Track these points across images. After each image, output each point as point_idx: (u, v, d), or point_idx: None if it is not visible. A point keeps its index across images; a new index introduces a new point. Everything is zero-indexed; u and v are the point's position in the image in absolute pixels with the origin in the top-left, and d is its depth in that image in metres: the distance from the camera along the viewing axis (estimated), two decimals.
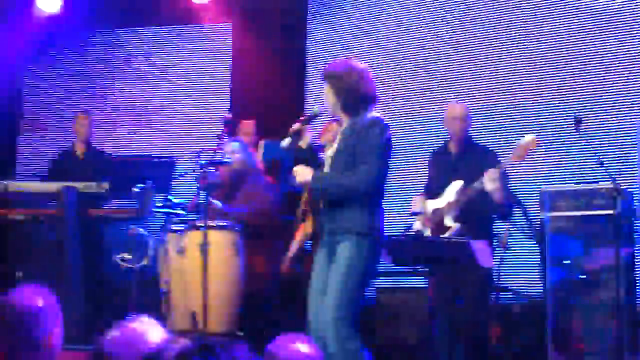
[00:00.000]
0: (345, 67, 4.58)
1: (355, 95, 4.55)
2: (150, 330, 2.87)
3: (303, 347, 3.09)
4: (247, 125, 7.66)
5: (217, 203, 6.43)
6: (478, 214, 5.96)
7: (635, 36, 7.46)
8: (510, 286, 6.64)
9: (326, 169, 4.62)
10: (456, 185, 6.04)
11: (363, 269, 4.47)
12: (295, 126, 4.74)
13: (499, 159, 6.12)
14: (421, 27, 8.44)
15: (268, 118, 8.41)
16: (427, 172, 6.51)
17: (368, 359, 4.45)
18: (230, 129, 7.00)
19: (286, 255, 6.73)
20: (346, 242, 4.46)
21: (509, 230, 6.10)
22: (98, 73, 9.44)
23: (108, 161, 7.61)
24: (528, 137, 5.91)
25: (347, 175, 4.46)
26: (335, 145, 4.64)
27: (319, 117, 5.08)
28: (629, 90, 7.40)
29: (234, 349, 2.60)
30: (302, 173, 4.58)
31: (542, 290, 6.33)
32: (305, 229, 6.67)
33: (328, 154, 4.68)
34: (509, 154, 5.99)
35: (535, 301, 6.63)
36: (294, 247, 6.75)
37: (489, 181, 5.80)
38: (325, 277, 4.55)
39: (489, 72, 8.04)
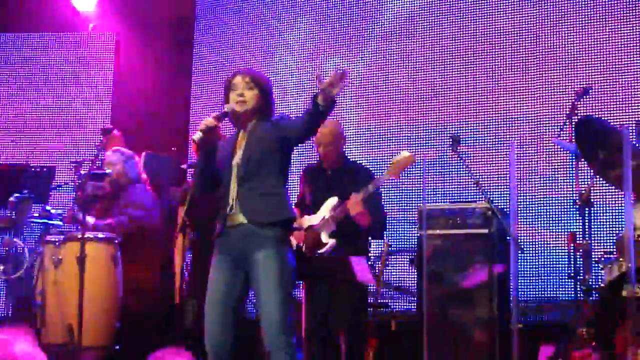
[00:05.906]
0: (266, 76, 4.69)
1: (271, 102, 4.63)
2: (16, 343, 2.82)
3: None
4: (115, 138, 7.35)
5: (90, 219, 6.33)
6: (354, 231, 5.95)
7: (511, 60, 7.67)
8: (387, 302, 6.67)
9: (233, 178, 4.48)
10: (331, 201, 5.99)
11: (293, 276, 4.45)
12: (207, 121, 4.37)
13: (373, 176, 6.10)
14: (300, 43, 8.52)
15: (150, 130, 8.34)
16: (299, 187, 6.35)
17: None
18: (109, 139, 6.89)
19: (175, 272, 6.54)
20: (271, 251, 4.36)
21: (388, 249, 6.11)
22: None
23: None
24: (404, 154, 5.85)
25: None
26: (239, 152, 4.52)
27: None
28: (505, 111, 7.59)
29: None
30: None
31: (418, 307, 6.41)
32: (183, 242, 6.55)
33: (234, 162, 4.51)
34: (383, 171, 5.97)
35: (412, 317, 6.71)
36: (178, 261, 6.59)
37: (352, 206, 5.77)
38: (229, 288, 4.46)
39: (367, 86, 8.16)
